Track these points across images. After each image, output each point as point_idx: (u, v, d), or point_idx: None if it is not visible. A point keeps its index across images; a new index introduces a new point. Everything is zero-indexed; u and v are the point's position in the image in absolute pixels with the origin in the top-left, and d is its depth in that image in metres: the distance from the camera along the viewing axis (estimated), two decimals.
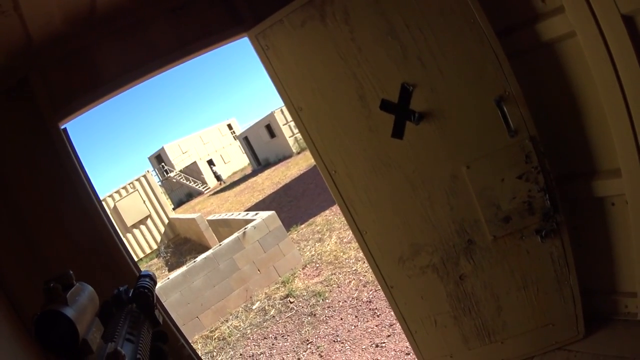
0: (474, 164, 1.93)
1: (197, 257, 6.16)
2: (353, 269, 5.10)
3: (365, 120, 2.03)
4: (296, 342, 4.18)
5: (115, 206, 14.39)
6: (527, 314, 2.10)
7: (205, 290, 5.69)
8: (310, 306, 4.74)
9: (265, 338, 4.59)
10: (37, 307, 0.54)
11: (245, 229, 6.14)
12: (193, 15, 2.23)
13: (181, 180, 31.76)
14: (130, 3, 2.05)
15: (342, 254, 5.74)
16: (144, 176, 15.36)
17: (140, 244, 14.44)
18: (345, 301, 4.46)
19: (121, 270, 2.09)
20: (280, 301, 5.28)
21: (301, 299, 5.03)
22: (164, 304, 3.71)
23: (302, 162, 17.35)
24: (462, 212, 2.02)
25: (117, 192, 14.88)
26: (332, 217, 7.58)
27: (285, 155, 23.23)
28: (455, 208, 2.02)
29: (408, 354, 3.07)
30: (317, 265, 5.84)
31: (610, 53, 1.62)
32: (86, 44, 2.12)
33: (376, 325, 3.74)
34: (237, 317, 5.45)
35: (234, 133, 37.62)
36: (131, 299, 0.82)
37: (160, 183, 31.14)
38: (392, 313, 2.74)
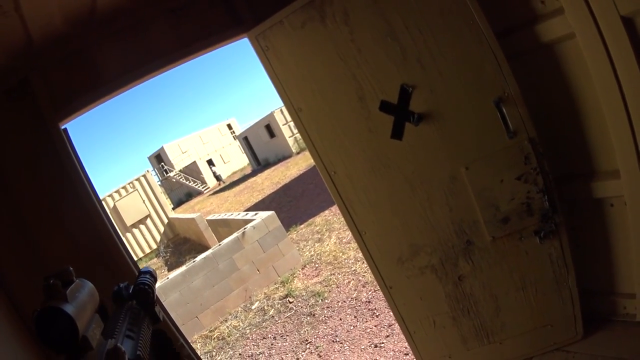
0: (473, 165, 1.93)
1: (196, 257, 6.16)
2: (352, 269, 5.10)
3: (365, 121, 2.03)
4: (295, 342, 4.18)
5: (115, 206, 14.39)
6: (526, 314, 2.11)
7: (205, 290, 5.69)
8: (310, 306, 4.74)
9: (264, 338, 4.59)
10: (37, 306, 0.54)
11: (245, 229, 6.14)
12: (193, 16, 2.24)
13: (181, 180, 31.75)
14: (130, 3, 2.06)
15: (341, 254, 5.74)
16: (144, 176, 15.36)
17: (140, 244, 14.44)
18: (344, 301, 4.47)
19: (121, 270, 2.10)
20: (280, 301, 5.28)
21: (300, 299, 5.03)
22: (163, 303, 3.71)
23: (301, 162, 17.35)
24: (461, 213, 2.03)
25: (117, 191, 14.88)
26: (332, 218, 7.58)
27: (284, 155, 23.22)
28: (454, 209, 2.03)
29: (407, 354, 3.07)
30: (317, 265, 5.85)
31: (610, 54, 1.62)
32: (86, 45, 2.12)
33: (375, 326, 3.74)
34: (237, 317, 5.45)
35: (234, 133, 37.63)
36: (131, 295, 0.82)
37: (159, 183, 31.14)
38: (391, 313, 2.74)
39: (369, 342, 3.55)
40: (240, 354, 4.50)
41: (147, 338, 0.71)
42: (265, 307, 5.31)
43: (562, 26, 1.73)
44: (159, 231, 14.75)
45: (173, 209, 25.76)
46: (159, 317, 0.83)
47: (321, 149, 2.17)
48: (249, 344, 4.62)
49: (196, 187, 30.99)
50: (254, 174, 24.39)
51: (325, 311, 4.46)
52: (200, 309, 5.59)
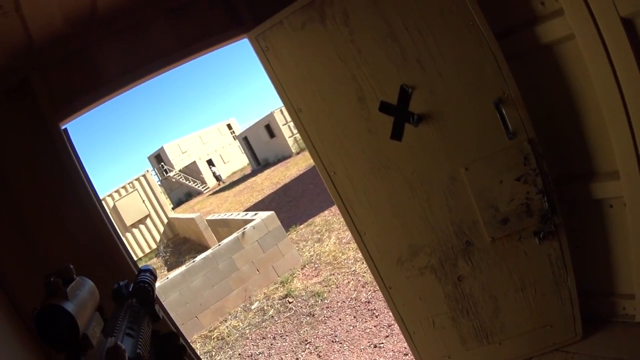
0: (473, 165, 1.93)
1: (196, 257, 6.16)
2: (352, 269, 5.11)
3: (365, 121, 2.04)
4: (295, 342, 4.18)
5: (114, 205, 14.39)
6: (525, 315, 2.11)
7: (204, 290, 5.69)
8: (309, 306, 4.74)
9: (263, 338, 4.59)
10: (38, 304, 0.54)
11: (245, 229, 6.14)
12: (193, 16, 2.24)
13: (180, 180, 31.74)
14: (130, 3, 2.06)
15: (341, 254, 5.74)
16: (144, 176, 15.36)
17: (140, 244, 14.43)
18: (343, 301, 4.47)
19: (120, 270, 2.10)
20: (279, 301, 5.28)
21: (300, 299, 5.03)
22: (163, 303, 3.70)
23: (301, 163, 17.35)
24: (460, 214, 2.03)
25: (117, 191, 14.87)
26: (331, 218, 7.58)
27: (284, 156, 23.22)
28: (453, 209, 2.03)
29: (406, 354, 3.07)
30: (316, 265, 5.85)
31: (609, 56, 1.62)
32: (87, 45, 2.13)
33: (374, 326, 3.74)
34: (236, 317, 5.45)
35: (234, 133, 37.63)
36: (131, 293, 0.82)
37: (159, 183, 31.14)
38: (391, 314, 2.74)
39: (369, 342, 3.56)
40: (239, 354, 4.50)
41: (147, 336, 0.71)
42: (265, 307, 5.31)
43: (561, 27, 1.73)
44: (158, 231, 14.75)
45: (173, 209, 25.75)
46: (159, 315, 0.82)
47: (321, 149, 2.17)
48: (248, 344, 4.62)
49: (196, 187, 30.98)
50: (253, 174, 24.39)
51: (325, 311, 4.47)
52: (199, 309, 5.60)
